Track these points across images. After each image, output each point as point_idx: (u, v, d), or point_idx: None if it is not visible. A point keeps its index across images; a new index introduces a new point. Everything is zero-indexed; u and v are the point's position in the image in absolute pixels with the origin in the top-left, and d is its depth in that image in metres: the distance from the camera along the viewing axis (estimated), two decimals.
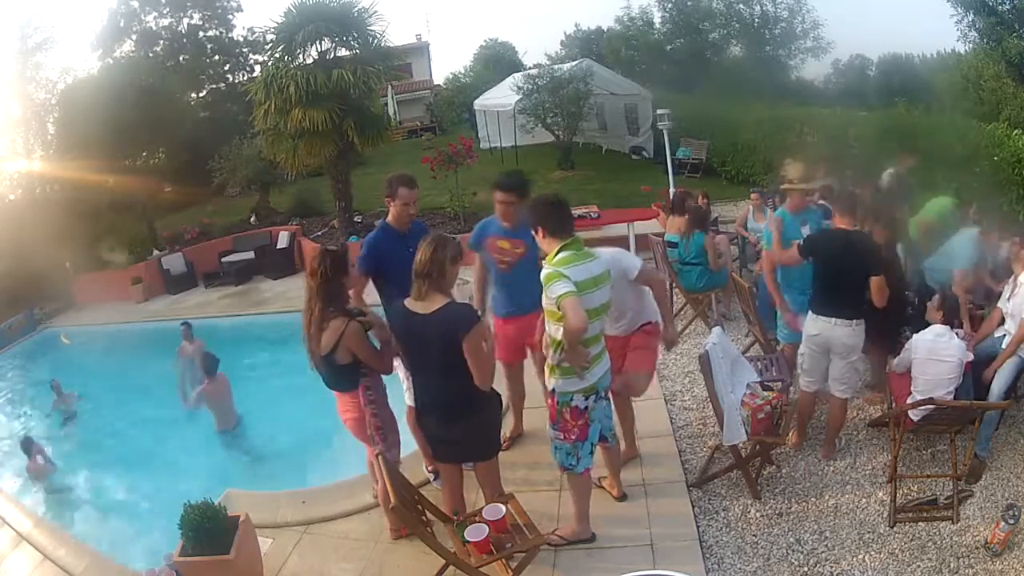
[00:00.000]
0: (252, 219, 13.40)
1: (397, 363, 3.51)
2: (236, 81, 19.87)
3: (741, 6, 21.86)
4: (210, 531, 3.30)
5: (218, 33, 20.69)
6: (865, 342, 3.95)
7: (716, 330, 4.07)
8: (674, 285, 6.26)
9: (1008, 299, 4.08)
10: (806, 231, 4.32)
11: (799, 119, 11.59)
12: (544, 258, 3.15)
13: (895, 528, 3.52)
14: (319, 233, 11.76)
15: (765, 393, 3.94)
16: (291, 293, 9.67)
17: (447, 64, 77.76)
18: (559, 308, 2.86)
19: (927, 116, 11.17)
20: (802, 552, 3.42)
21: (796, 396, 4.30)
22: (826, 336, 3.86)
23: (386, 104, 17.66)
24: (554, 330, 3.02)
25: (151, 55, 19.12)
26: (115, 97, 11.08)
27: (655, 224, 8.71)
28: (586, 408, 3.18)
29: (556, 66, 16.32)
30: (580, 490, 3.42)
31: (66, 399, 7.25)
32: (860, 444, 4.30)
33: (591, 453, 3.31)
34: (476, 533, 2.96)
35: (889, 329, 4.24)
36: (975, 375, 3.96)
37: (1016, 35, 12.93)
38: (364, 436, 3.38)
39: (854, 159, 8.61)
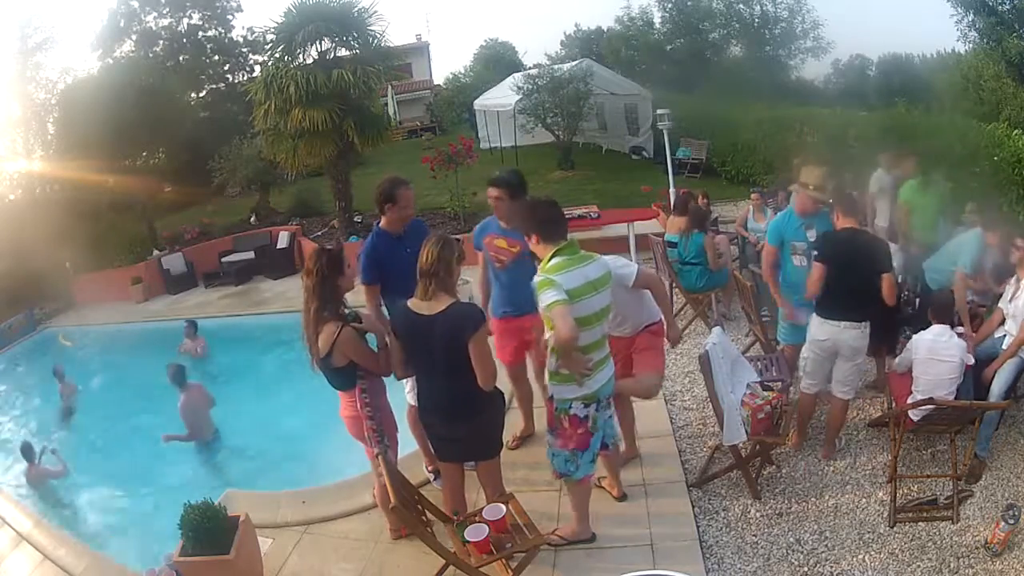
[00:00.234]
0: (252, 219, 13.41)
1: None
2: (236, 81, 19.89)
3: (741, 6, 21.88)
4: (210, 531, 3.30)
5: (218, 33, 20.70)
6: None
7: (716, 330, 4.07)
8: (674, 285, 6.26)
9: (1010, 300, 4.07)
10: (812, 235, 4.25)
11: (799, 119, 11.59)
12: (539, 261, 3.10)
13: (895, 528, 3.52)
14: (319, 233, 11.76)
15: (765, 393, 3.94)
16: (291, 293, 9.66)
17: (447, 64, 77.89)
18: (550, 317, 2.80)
19: (927, 116, 11.16)
20: (802, 552, 3.42)
21: (796, 396, 4.30)
22: (835, 340, 3.83)
23: (386, 104, 17.67)
24: (550, 337, 2.96)
25: (151, 55, 19.12)
26: (115, 97, 11.07)
27: (655, 224, 8.71)
28: (586, 417, 3.08)
29: (556, 66, 16.33)
30: (579, 495, 3.38)
31: (68, 388, 7.24)
32: (860, 444, 4.30)
33: (592, 462, 3.23)
34: (476, 533, 2.96)
35: (890, 329, 4.24)
36: (975, 375, 3.96)
37: (1016, 35, 12.93)
38: (363, 435, 3.38)
39: (854, 159, 8.60)
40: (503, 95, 16.72)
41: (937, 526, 3.52)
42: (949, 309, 4.12)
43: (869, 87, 20.55)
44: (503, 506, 3.10)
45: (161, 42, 19.96)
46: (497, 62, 30.30)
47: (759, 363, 4.55)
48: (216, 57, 20.82)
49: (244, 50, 20.80)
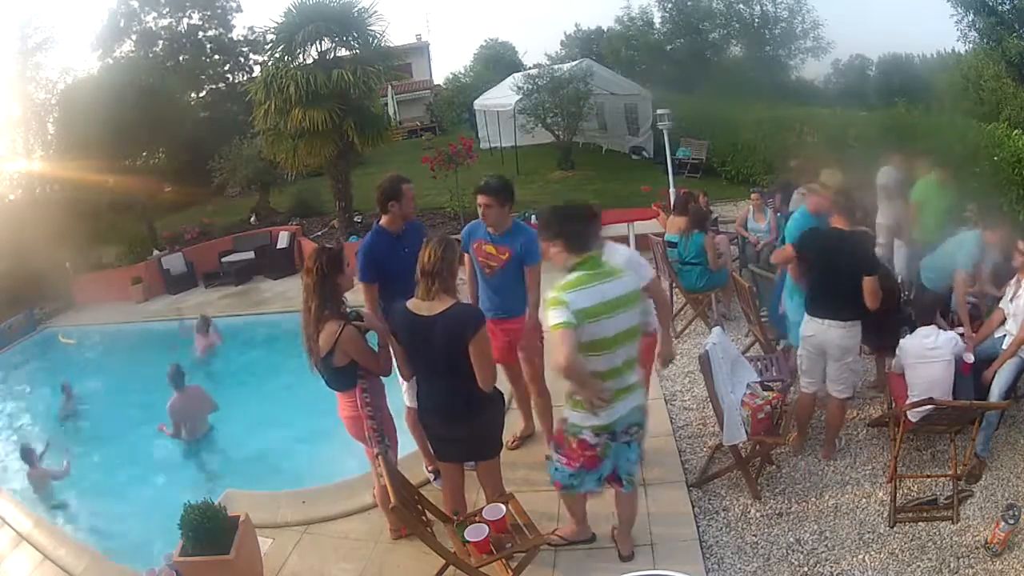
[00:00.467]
0: (252, 219, 13.41)
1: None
2: (236, 81, 19.90)
3: (741, 6, 21.90)
4: (210, 531, 3.30)
5: (218, 33, 20.71)
6: (866, 341, 3.94)
7: (716, 330, 4.07)
8: (674, 285, 6.26)
9: (1011, 300, 4.07)
10: None
11: (799, 119, 11.59)
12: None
13: (895, 528, 3.52)
14: (319, 233, 11.76)
15: (765, 393, 3.94)
16: (291, 293, 9.66)
17: (447, 64, 77.76)
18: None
19: (927, 116, 11.16)
20: (802, 552, 3.42)
21: (796, 396, 4.29)
22: (820, 338, 3.83)
23: (386, 104, 17.66)
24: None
25: (151, 55, 19.13)
26: (115, 97, 11.08)
27: (655, 224, 8.71)
28: (597, 444, 2.89)
29: (556, 66, 16.34)
30: (576, 502, 3.30)
31: (75, 401, 7.24)
32: (860, 444, 4.30)
33: (599, 482, 3.03)
34: (476, 533, 2.96)
35: (890, 328, 4.23)
36: (975, 375, 3.96)
37: (1016, 35, 12.93)
38: (362, 435, 3.37)
39: (854, 159, 8.61)
40: (503, 95, 16.72)
41: (937, 526, 3.51)
42: (932, 309, 4.11)
43: (869, 87, 20.56)
44: (503, 506, 3.10)
45: (161, 42, 19.97)
46: (497, 62, 30.30)
47: (759, 363, 4.56)
48: (216, 57, 20.83)
49: (244, 50, 20.82)
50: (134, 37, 19.59)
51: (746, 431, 3.75)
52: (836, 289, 3.74)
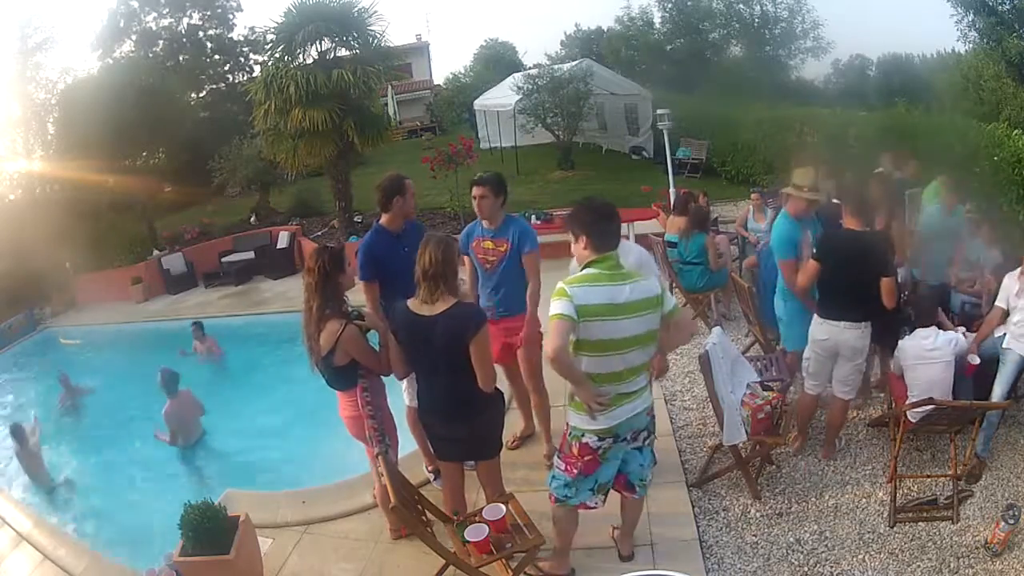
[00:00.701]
0: (252, 219, 13.42)
1: None
2: (236, 81, 19.92)
3: (741, 6, 21.91)
4: (210, 531, 3.30)
5: (218, 33, 20.72)
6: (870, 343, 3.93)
7: (716, 330, 4.06)
8: (674, 285, 6.26)
9: (1016, 294, 4.03)
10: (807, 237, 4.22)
11: (799, 119, 11.59)
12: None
13: (895, 528, 3.52)
14: (319, 233, 11.76)
15: (765, 393, 3.94)
16: (291, 293, 9.67)
17: (447, 64, 77.93)
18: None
19: (927, 116, 11.16)
20: (802, 552, 3.42)
21: (796, 396, 4.29)
22: (835, 340, 3.81)
23: (386, 104, 17.66)
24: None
25: (151, 55, 19.14)
26: (115, 97, 11.08)
27: (655, 224, 8.71)
28: (599, 448, 2.83)
29: (556, 66, 16.35)
30: (564, 524, 3.11)
31: (75, 392, 7.22)
32: (860, 444, 4.29)
33: (593, 491, 2.95)
34: (476, 533, 2.96)
35: (891, 329, 4.22)
36: (977, 375, 3.95)
37: (1016, 35, 12.94)
38: (363, 435, 3.38)
39: (853, 159, 8.60)
40: (503, 95, 16.72)
41: (937, 526, 3.51)
42: (932, 310, 4.11)
43: (869, 87, 20.57)
44: (503, 506, 3.10)
45: (161, 42, 19.98)
46: (497, 62, 30.30)
47: (759, 363, 4.55)
48: (216, 57, 20.85)
49: (244, 50, 20.82)
50: (134, 37, 19.61)
51: (746, 431, 3.75)
52: (851, 291, 3.71)
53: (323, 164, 10.92)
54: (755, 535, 3.57)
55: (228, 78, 20.76)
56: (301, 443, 5.63)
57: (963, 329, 4.26)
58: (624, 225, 8.21)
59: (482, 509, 3.15)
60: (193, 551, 3.31)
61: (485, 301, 3.97)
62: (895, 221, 4.72)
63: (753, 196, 7.53)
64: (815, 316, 3.93)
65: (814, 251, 3.92)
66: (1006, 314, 4.03)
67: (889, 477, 3.73)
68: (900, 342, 3.93)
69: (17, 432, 5.59)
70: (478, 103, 19.92)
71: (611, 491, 3.06)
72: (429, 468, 4.14)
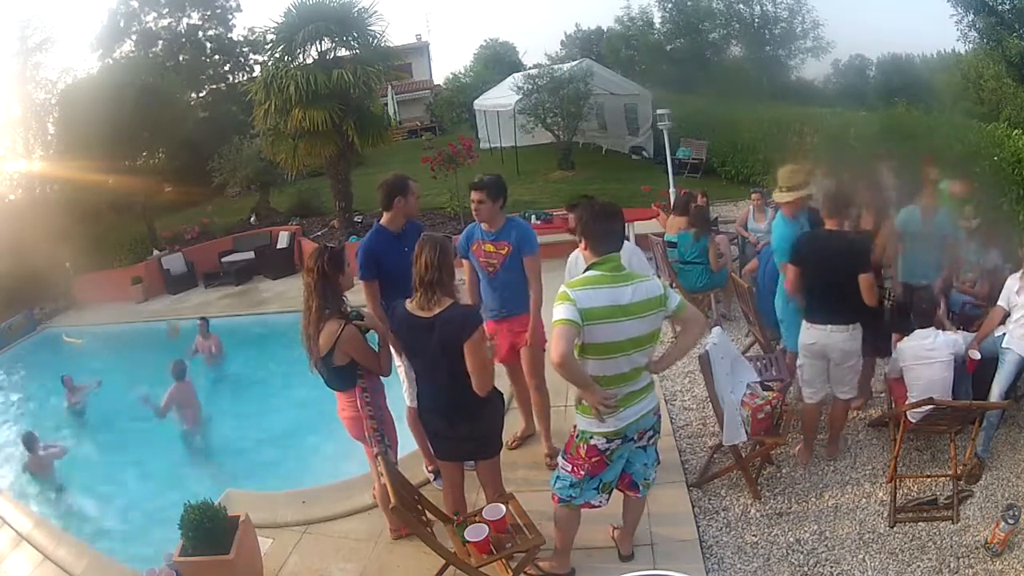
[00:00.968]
0: (252, 219, 13.41)
1: (397, 362, 3.50)
2: (236, 81, 19.91)
3: (741, 6, 21.90)
4: (210, 531, 3.30)
5: (218, 33, 20.73)
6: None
7: (716, 330, 4.06)
8: (674, 285, 6.26)
9: (1017, 292, 4.03)
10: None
11: (799, 119, 11.58)
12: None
13: (895, 528, 3.52)
14: (319, 233, 11.76)
15: (765, 393, 3.94)
16: (291, 293, 9.67)
17: (447, 64, 77.82)
18: None
19: (927, 116, 11.16)
20: (802, 552, 3.42)
21: (795, 397, 4.29)
22: (823, 344, 3.78)
23: (386, 104, 17.69)
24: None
25: (151, 55, 19.14)
26: (115, 97, 11.07)
27: (655, 224, 8.71)
28: (606, 450, 2.84)
29: (556, 66, 16.36)
30: (566, 524, 3.13)
31: (79, 391, 7.23)
32: (860, 444, 4.30)
33: (597, 490, 2.96)
34: (476, 533, 2.96)
35: (878, 332, 4.20)
36: (976, 376, 3.95)
37: (1016, 35, 12.94)
38: (362, 436, 3.38)
39: (853, 159, 8.60)
40: (503, 95, 16.72)
41: (937, 526, 3.51)
42: (931, 311, 4.10)
43: (869, 87, 20.58)
44: (503, 506, 3.10)
45: (161, 42, 20.00)
46: (497, 62, 30.26)
47: (759, 363, 4.55)
48: (216, 57, 20.87)
49: (244, 50, 20.83)
50: (134, 37, 19.63)
51: (746, 431, 3.75)
52: (834, 293, 3.68)
53: (323, 164, 10.93)
54: (755, 535, 3.57)
55: (228, 78, 20.78)
56: (301, 443, 5.63)
57: (963, 331, 4.26)
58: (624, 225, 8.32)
59: (482, 509, 3.15)
60: (193, 551, 3.31)
61: (489, 303, 3.97)
62: (886, 221, 4.71)
63: (753, 196, 7.52)
64: (803, 322, 3.90)
65: (791, 255, 3.89)
66: (1007, 314, 4.03)
67: (889, 477, 3.73)
68: (900, 344, 3.93)
69: (29, 441, 5.62)
70: (478, 103, 19.93)
71: (614, 490, 3.06)
72: (429, 468, 4.14)
